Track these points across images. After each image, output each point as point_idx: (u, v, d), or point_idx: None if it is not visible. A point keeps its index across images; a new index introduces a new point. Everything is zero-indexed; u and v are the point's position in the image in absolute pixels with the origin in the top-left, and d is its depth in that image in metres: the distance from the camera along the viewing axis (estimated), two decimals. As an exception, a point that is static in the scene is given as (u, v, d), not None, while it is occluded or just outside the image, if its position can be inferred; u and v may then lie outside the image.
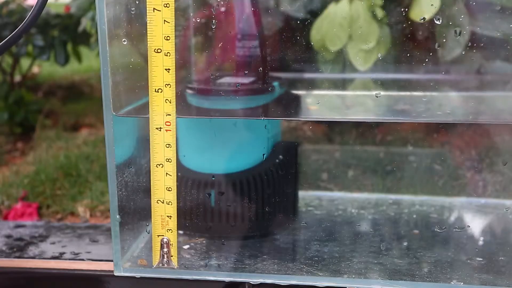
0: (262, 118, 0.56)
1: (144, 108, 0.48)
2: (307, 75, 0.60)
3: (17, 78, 1.88)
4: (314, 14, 0.59)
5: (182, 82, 0.57)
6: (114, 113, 0.49)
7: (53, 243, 0.63)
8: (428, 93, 0.59)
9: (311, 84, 0.60)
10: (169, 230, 0.49)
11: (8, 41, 0.46)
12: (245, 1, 0.59)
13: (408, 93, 0.60)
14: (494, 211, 0.63)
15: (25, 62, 1.90)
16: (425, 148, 0.73)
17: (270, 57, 0.59)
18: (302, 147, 0.69)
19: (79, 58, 1.82)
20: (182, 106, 0.56)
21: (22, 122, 1.68)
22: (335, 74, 0.60)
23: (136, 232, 0.56)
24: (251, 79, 0.58)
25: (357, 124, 0.80)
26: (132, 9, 0.49)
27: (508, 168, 0.63)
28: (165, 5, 0.45)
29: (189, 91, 0.57)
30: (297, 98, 0.60)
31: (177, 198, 0.49)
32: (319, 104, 0.58)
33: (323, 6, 0.59)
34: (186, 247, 0.57)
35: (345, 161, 0.74)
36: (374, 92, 0.60)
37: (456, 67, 0.58)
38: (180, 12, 0.61)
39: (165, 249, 0.50)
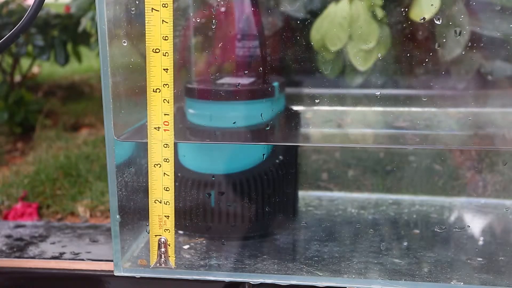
0: (264, 145, 0.57)
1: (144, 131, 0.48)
2: (307, 90, 0.60)
3: (17, 78, 1.88)
4: (314, 14, 0.59)
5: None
6: (116, 138, 0.50)
7: (53, 243, 0.63)
8: (427, 109, 0.60)
9: (312, 96, 0.60)
10: (167, 230, 0.49)
11: (6, 41, 0.46)
12: (245, 1, 0.59)
13: (407, 108, 0.61)
14: (494, 211, 0.63)
15: (25, 62, 1.90)
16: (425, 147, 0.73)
17: (270, 57, 0.59)
18: (302, 147, 0.69)
19: (79, 58, 1.82)
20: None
21: (22, 122, 1.68)
22: (332, 89, 0.60)
23: (136, 232, 0.56)
24: (250, 79, 0.58)
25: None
26: (132, 9, 0.49)
27: (508, 168, 0.63)
28: (163, 5, 0.45)
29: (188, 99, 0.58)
30: (297, 116, 0.60)
31: (177, 198, 0.49)
32: (317, 110, 0.59)
33: (323, 6, 0.59)
34: (186, 247, 0.57)
35: (345, 161, 0.74)
36: (372, 108, 0.60)
37: (456, 68, 0.58)
38: (180, 12, 0.61)
39: (163, 249, 0.50)
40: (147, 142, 0.48)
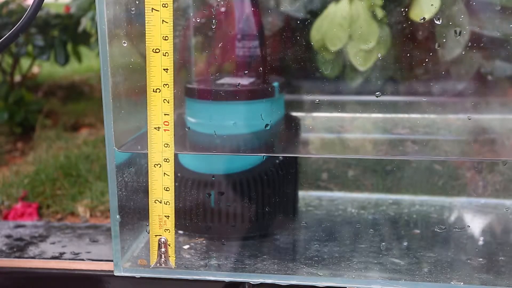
0: (263, 157, 0.57)
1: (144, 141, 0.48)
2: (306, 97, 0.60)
3: (17, 78, 1.88)
4: (314, 14, 0.59)
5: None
6: (116, 149, 0.50)
7: (53, 243, 0.63)
8: (426, 116, 0.60)
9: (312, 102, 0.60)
10: (167, 230, 0.49)
11: (6, 40, 0.46)
12: (245, 1, 0.59)
13: (406, 115, 0.61)
14: (494, 211, 0.63)
15: (25, 62, 1.90)
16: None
17: (269, 58, 0.59)
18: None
19: (79, 58, 1.82)
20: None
21: (22, 122, 1.69)
22: (330, 96, 0.60)
23: (136, 232, 0.56)
24: (250, 79, 0.58)
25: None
26: (132, 9, 0.49)
27: (508, 168, 0.63)
28: (163, 5, 0.45)
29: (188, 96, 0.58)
30: (297, 122, 0.60)
31: (177, 199, 0.49)
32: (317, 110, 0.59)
33: (323, 6, 0.59)
34: (186, 247, 0.57)
35: (345, 161, 0.74)
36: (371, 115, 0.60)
37: (456, 69, 0.58)
38: (180, 12, 0.61)
39: (163, 249, 0.50)
40: (147, 143, 0.48)
